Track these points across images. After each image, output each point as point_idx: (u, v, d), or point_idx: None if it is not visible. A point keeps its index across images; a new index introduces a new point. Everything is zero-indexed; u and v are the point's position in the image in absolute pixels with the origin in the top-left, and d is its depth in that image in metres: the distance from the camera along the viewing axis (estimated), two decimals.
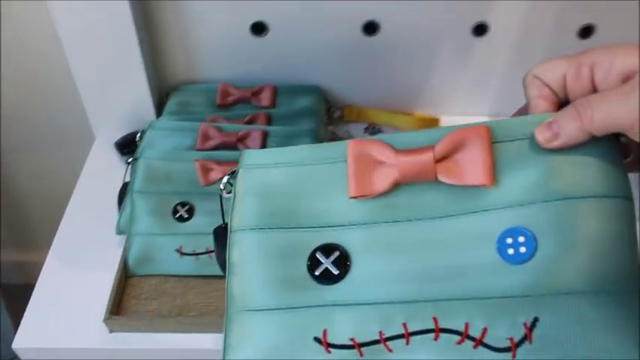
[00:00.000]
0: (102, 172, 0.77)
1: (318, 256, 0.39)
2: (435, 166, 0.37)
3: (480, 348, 0.35)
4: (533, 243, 0.35)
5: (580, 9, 0.75)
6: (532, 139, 0.37)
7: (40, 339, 0.60)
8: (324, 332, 0.37)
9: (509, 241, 0.36)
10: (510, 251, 0.36)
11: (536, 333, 0.34)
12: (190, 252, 0.63)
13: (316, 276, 0.38)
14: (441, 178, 0.37)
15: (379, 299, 0.37)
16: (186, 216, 0.64)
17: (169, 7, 0.74)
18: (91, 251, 0.67)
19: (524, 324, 0.35)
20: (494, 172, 0.37)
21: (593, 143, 0.36)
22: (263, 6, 0.74)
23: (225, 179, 0.42)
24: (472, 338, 0.35)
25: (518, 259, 0.35)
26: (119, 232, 0.67)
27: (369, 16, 0.76)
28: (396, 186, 0.38)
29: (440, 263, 0.37)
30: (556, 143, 0.36)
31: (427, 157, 0.37)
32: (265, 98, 0.78)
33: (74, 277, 0.65)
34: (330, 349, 0.37)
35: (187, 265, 0.63)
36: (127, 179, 0.69)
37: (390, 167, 0.38)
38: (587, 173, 0.36)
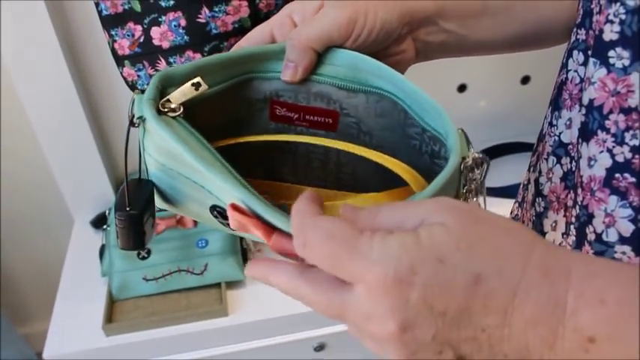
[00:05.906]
0: (84, 243, 1.12)
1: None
2: None
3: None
4: None
5: None
6: None
7: (63, 346, 0.93)
8: None
9: None
10: None
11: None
12: (152, 278, 0.98)
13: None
14: None
15: None
16: (146, 256, 1.00)
17: (118, 127, 1.12)
18: (85, 293, 1.01)
19: None
20: None
21: None
22: None
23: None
24: None
25: None
26: (103, 274, 1.01)
27: None
28: None
29: None
30: (299, 75, 0.44)
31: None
32: None
33: (78, 309, 0.99)
34: None
35: (151, 287, 0.98)
36: (103, 242, 1.04)
37: None
38: None
